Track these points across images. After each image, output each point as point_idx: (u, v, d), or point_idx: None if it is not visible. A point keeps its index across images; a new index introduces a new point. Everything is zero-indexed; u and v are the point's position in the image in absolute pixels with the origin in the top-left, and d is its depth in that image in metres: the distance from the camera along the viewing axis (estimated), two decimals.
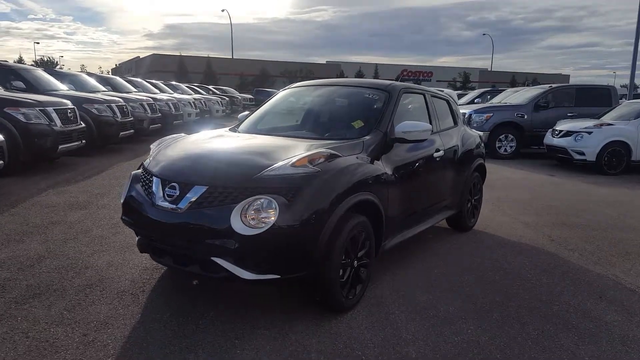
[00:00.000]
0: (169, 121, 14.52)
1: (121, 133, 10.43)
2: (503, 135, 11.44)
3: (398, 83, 3.96)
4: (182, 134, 3.72)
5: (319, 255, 2.68)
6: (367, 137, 3.34)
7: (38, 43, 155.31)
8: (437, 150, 4.06)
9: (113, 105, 10.49)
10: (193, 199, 2.67)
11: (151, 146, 3.52)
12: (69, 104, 8.35)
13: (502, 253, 4.33)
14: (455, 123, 4.80)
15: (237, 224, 2.52)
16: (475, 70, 71.76)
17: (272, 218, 2.52)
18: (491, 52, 68.31)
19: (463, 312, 3.09)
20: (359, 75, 55.97)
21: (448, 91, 4.81)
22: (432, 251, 4.30)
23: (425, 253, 4.23)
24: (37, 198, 5.84)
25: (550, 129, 10.49)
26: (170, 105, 15.30)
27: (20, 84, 9.24)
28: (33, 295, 3.09)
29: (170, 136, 3.65)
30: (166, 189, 2.82)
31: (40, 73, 10.44)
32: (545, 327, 2.93)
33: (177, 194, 2.75)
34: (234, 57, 60.91)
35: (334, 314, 2.95)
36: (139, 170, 3.22)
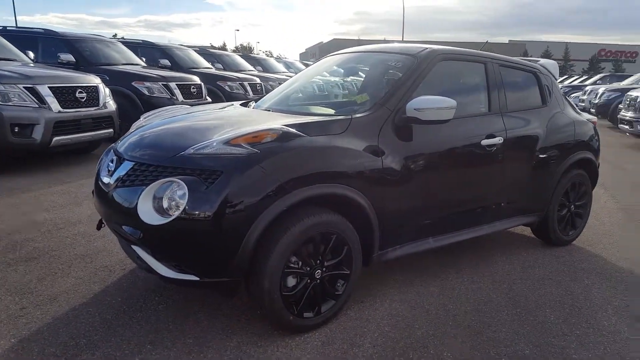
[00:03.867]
0: None
1: None
2: None
3: (439, 47, 3.01)
4: (185, 106, 3.43)
5: (245, 258, 2.13)
6: (359, 115, 2.58)
7: (238, 30, 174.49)
8: (491, 137, 3.02)
9: (245, 83, 10.95)
10: (120, 175, 2.35)
11: (141, 116, 3.31)
12: (195, 79, 8.90)
13: (587, 283, 3.10)
14: (545, 103, 3.56)
15: (142, 209, 2.13)
16: None
17: (181, 206, 2.06)
18: None
19: None
20: (545, 56, 49.65)
21: (545, 61, 3.56)
22: (486, 269, 3.30)
23: (475, 270, 3.26)
24: None
25: None
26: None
27: (167, 62, 10.20)
28: (28, 259, 3.17)
29: (168, 107, 3.40)
30: (108, 162, 2.55)
31: (189, 52, 11.42)
32: None
33: (113, 168, 2.46)
34: (405, 39, 59.54)
35: (284, 334, 2.37)
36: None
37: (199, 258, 2.15)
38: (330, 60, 3.70)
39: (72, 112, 5.71)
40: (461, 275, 3.16)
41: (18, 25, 8.19)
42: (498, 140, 3.03)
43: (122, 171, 2.35)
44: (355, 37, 68.40)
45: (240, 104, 3.43)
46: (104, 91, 6.38)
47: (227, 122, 2.64)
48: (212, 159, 2.15)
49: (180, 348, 2.25)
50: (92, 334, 2.33)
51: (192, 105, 8.24)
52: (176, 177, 2.12)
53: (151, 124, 2.80)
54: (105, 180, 2.48)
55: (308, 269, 2.33)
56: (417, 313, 2.65)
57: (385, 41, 58.47)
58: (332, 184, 2.30)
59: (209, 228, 2.06)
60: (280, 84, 12.84)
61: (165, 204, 2.11)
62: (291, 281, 2.29)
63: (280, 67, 16.64)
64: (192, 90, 8.61)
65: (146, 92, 7.77)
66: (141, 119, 3.20)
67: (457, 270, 3.23)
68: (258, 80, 11.53)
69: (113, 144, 2.90)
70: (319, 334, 2.40)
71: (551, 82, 3.66)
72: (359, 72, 3.42)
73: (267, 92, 11.66)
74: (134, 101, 7.68)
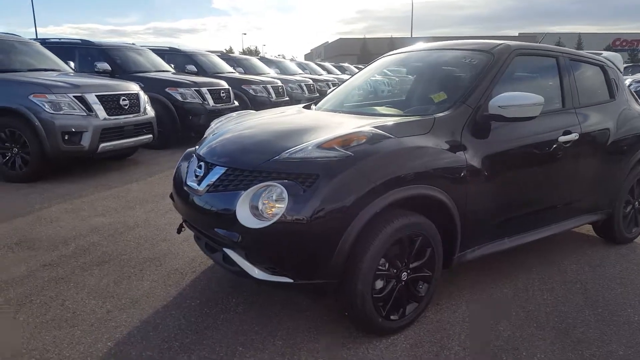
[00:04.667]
0: None
1: None
2: None
3: (512, 43, 2.99)
4: (250, 111, 3.46)
5: (341, 260, 2.14)
6: (441, 114, 2.58)
7: (245, 34, 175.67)
8: (567, 133, 2.99)
9: (269, 86, 11.02)
10: (211, 181, 2.38)
11: (211, 123, 3.34)
12: (223, 84, 8.98)
13: None
14: (612, 97, 3.52)
15: (241, 214, 2.14)
16: None
17: (281, 210, 2.07)
18: None
19: None
20: None
21: (609, 54, 3.51)
22: (555, 269, 3.27)
23: (544, 270, 3.24)
24: (174, 170, 6.33)
25: None
26: (331, 85, 15.56)
27: (193, 68, 10.29)
28: (100, 263, 3.22)
29: (237, 113, 3.42)
30: (195, 167, 2.59)
31: (212, 58, 11.52)
32: None
33: (202, 174, 2.49)
34: (413, 36, 59.47)
35: (371, 336, 2.37)
36: (193, 148, 3.07)
37: (295, 260, 2.16)
38: (388, 60, 3.70)
39: (116, 119, 5.79)
40: (530, 275, 3.14)
41: (43, 37, 8.31)
42: (574, 136, 3.00)
43: (213, 176, 2.38)
44: (361, 36, 68.49)
45: (303, 107, 3.45)
46: (144, 98, 6.46)
47: (306, 126, 2.65)
48: (307, 162, 2.17)
49: (272, 350, 2.26)
50: (182, 337, 2.36)
51: (221, 109, 8.39)
52: (273, 181, 2.14)
53: (229, 130, 2.83)
54: (193, 185, 2.51)
55: (395, 271, 2.34)
56: (497, 314, 2.63)
57: (392, 39, 58.30)
58: (420, 185, 2.30)
59: (307, 231, 2.08)
60: (300, 86, 13.14)
61: (263, 208, 2.13)
62: (379, 283, 2.29)
63: (296, 68, 16.68)
64: (221, 94, 8.69)
65: (179, 98, 7.85)
66: (212, 125, 3.23)
67: (526, 270, 3.21)
68: (280, 83, 11.58)
69: (191, 150, 2.94)
70: (405, 337, 2.40)
71: (617, 76, 3.62)
72: (423, 71, 3.40)
73: (288, 95, 11.88)
74: (168, 107, 7.76)
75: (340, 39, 68.32)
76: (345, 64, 22.97)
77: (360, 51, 54.85)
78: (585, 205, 3.34)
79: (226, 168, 2.36)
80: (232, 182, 2.30)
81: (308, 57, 77.61)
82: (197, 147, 2.90)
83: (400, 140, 2.34)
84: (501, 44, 2.98)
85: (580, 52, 3.51)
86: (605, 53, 3.77)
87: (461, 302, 2.77)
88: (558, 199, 3.13)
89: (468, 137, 2.56)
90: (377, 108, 3.13)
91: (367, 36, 64.01)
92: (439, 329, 2.47)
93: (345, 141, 2.24)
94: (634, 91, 13.40)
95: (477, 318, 2.59)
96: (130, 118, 6.02)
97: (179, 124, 7.85)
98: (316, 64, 18.96)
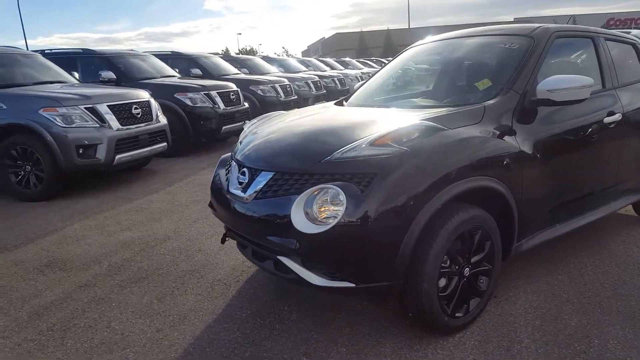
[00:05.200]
0: (335, 97, 14.60)
1: None
2: None
3: (550, 25, 2.90)
4: (281, 112, 3.36)
5: (405, 260, 2.05)
6: (491, 102, 2.49)
7: (240, 34, 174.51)
8: (611, 114, 2.90)
9: (277, 85, 10.92)
10: (259, 187, 2.29)
11: (244, 125, 3.25)
12: (232, 86, 8.87)
13: None
14: None
15: (297, 219, 2.06)
16: None
17: (340, 213, 1.99)
18: None
19: (630, 349, 2.12)
20: None
21: (637, 32, 3.44)
22: (604, 252, 3.19)
23: (592, 254, 3.16)
24: (193, 177, 6.26)
25: None
26: (337, 81, 15.47)
27: (198, 71, 10.18)
28: (138, 280, 3.14)
29: (268, 114, 3.33)
30: (238, 174, 2.50)
31: (216, 60, 11.42)
32: None
33: (246, 180, 2.40)
34: (413, 26, 59.28)
35: (436, 336, 2.29)
36: (229, 154, 2.98)
37: (356, 264, 2.08)
38: (417, 50, 3.60)
39: (130, 129, 5.69)
40: (582, 260, 3.06)
41: (34, 49, 8.18)
42: (617, 117, 2.92)
43: (260, 182, 2.29)
44: (358, 30, 68.18)
45: (335, 103, 3.37)
46: (156, 105, 6.37)
47: (349, 123, 2.57)
48: (362, 161, 2.08)
49: (337, 357, 2.18)
50: (241, 351, 2.28)
51: (232, 112, 8.30)
52: (328, 183, 2.06)
53: (267, 132, 2.73)
54: (238, 192, 2.42)
55: (457, 267, 2.26)
56: (558, 303, 2.55)
57: (389, 30, 58.09)
58: (478, 177, 2.22)
59: (368, 232, 1.99)
60: (306, 83, 13.02)
61: (320, 212, 2.04)
62: (443, 281, 2.21)
63: (299, 66, 16.56)
64: (231, 97, 8.59)
65: (189, 103, 7.75)
66: (245, 129, 3.14)
67: (575, 256, 3.13)
68: (287, 82, 11.48)
69: (227, 155, 2.85)
70: (472, 333, 2.32)
71: None
72: (456, 60, 3.30)
73: (296, 93, 11.78)
74: (178, 113, 7.65)
75: (337, 33, 68.01)
76: (347, 59, 22.85)
77: (358, 45, 54.61)
78: (630, 185, 3.25)
79: (274, 173, 2.27)
80: (282, 187, 2.21)
81: (305, 53, 77.23)
82: (233, 152, 2.81)
83: (454, 132, 2.25)
84: (540, 26, 2.90)
85: (613, 31, 3.43)
86: (635, 31, 3.69)
87: (519, 293, 2.69)
88: (605, 181, 3.05)
89: (518, 124, 2.47)
90: (414, 100, 3.04)
91: (363, 29, 63.62)
92: (504, 323, 2.39)
93: (397, 136, 2.15)
94: None
95: (538, 308, 2.51)
96: (144, 127, 5.92)
97: (191, 130, 7.76)
98: (318, 60, 18.83)
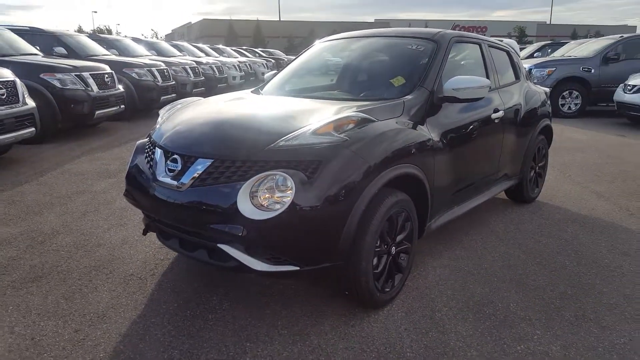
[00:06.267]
0: (212, 84, 14.21)
1: (162, 97, 10.20)
2: (567, 92, 10.29)
3: (449, 31, 3.26)
4: (198, 98, 3.25)
5: (347, 242, 2.17)
6: (409, 97, 2.73)
7: (96, 12, 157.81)
8: (496, 111, 3.36)
9: (154, 69, 10.27)
10: (196, 175, 2.21)
11: (160, 111, 3.07)
12: (106, 68, 8.15)
13: (572, 231, 3.65)
14: (517, 78, 4.02)
15: (244, 206, 2.04)
16: (532, 24, 66.89)
17: (288, 199, 2.02)
18: (550, 4, 63.09)
19: (527, 310, 2.51)
20: None
21: (508, 41, 4.03)
22: (487, 229, 3.68)
23: (479, 232, 3.63)
24: (68, 166, 5.65)
25: (622, 84, 9.26)
26: (215, 68, 14.99)
27: (62, 50, 9.15)
28: (34, 279, 2.79)
29: (183, 100, 3.19)
30: (168, 161, 2.37)
31: (82, 39, 10.33)
32: (635, 334, 2.31)
33: (179, 168, 2.30)
34: (282, 19, 59.92)
35: (367, 310, 2.46)
36: (145, 140, 2.80)
37: (302, 248, 2.14)
38: (328, 45, 3.73)
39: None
40: (472, 237, 3.50)
41: None
42: (501, 113, 3.38)
43: (197, 170, 2.21)
44: (227, 17, 66.96)
45: (252, 91, 3.35)
46: (21, 86, 5.60)
47: (282, 113, 2.61)
48: (307, 149, 2.14)
49: (280, 340, 2.22)
50: (179, 343, 2.20)
51: (107, 96, 7.63)
52: (275, 170, 2.08)
53: (196, 119, 2.62)
54: (169, 180, 2.31)
55: (386, 246, 2.44)
56: (463, 275, 2.90)
57: (259, 21, 58.11)
58: (404, 164, 2.42)
59: (315, 217, 2.06)
60: (184, 69, 12.45)
61: (267, 198, 2.05)
62: (376, 260, 2.38)
63: (173, 50, 15.72)
64: (105, 79, 7.88)
65: (58, 85, 6.92)
66: (162, 114, 2.96)
67: (465, 233, 3.56)
68: (164, 66, 10.85)
69: (144, 142, 2.69)
70: (397, 307, 2.53)
71: (518, 59, 4.13)
72: (368, 57, 3.50)
73: (173, 79, 11.20)
74: (45, 95, 6.79)
75: (205, 19, 65.69)
76: (221, 46, 22.23)
77: (227, 33, 53.42)
78: (507, 172, 3.80)
79: (213, 160, 2.21)
80: (223, 174, 2.17)
81: (170, 37, 73.04)
82: (152, 138, 2.65)
83: (383, 123, 2.42)
84: (439, 31, 3.24)
85: (492, 39, 3.94)
86: (506, 40, 4.28)
87: (427, 268, 2.99)
88: (490, 168, 3.52)
89: (430, 118, 2.75)
90: (332, 92, 3.17)
91: (233, 18, 62.46)
92: (422, 295, 2.65)
93: (338, 126, 2.25)
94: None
95: (447, 280, 2.83)
96: (9, 110, 5.18)
97: (59, 114, 6.95)
98: (193, 45, 18.00)
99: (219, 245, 2.18)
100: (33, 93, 6.50)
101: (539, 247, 3.33)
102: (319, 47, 3.79)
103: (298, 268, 2.16)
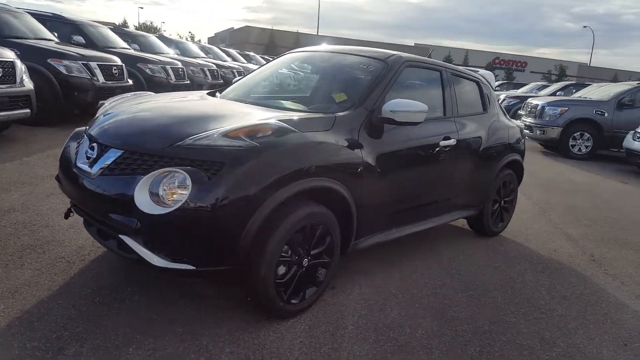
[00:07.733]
0: None
1: None
2: (578, 133, 10.08)
3: (403, 54, 3.26)
4: (149, 93, 3.33)
5: (246, 247, 2.19)
6: (342, 114, 2.74)
7: (142, 8, 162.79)
8: (447, 138, 3.34)
9: (168, 67, 10.50)
10: (105, 164, 2.27)
11: (105, 102, 3.16)
12: (116, 60, 8.37)
13: (520, 269, 3.57)
14: (485, 109, 3.99)
15: (140, 199, 2.08)
16: (573, 64, 65.77)
17: (183, 197, 2.06)
18: (591, 45, 62.05)
19: (433, 339, 2.47)
20: (447, 60, 53.28)
21: (484, 72, 4.01)
22: (433, 257, 3.63)
23: (423, 258, 3.58)
24: (56, 150, 5.78)
25: (632, 131, 9.03)
26: (235, 73, 15.25)
27: (80, 39, 9.43)
28: None
29: (136, 92, 3.28)
30: (87, 149, 2.44)
31: (103, 30, 10.65)
32: None
33: (94, 156, 2.36)
34: (321, 34, 60.63)
35: (272, 320, 2.46)
36: (83, 127, 2.88)
37: (197, 248, 2.16)
38: (295, 56, 3.79)
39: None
40: (415, 262, 3.46)
41: None
42: (452, 142, 3.35)
43: (108, 159, 2.27)
44: (269, 26, 68.18)
45: (207, 93, 3.41)
46: (21, 67, 5.82)
47: (211, 113, 2.63)
48: (212, 150, 2.17)
49: (172, 337, 2.24)
50: (73, 326, 2.24)
51: (113, 87, 7.84)
52: (176, 167, 2.11)
53: (126, 110, 2.70)
54: (85, 167, 2.38)
55: (297, 257, 2.44)
56: (386, 297, 2.87)
57: (299, 34, 59.00)
58: (322, 178, 2.43)
59: (210, 219, 2.08)
60: (202, 70, 12.70)
61: (164, 194, 2.09)
62: (282, 269, 2.38)
63: (198, 51, 16.08)
64: (113, 71, 8.10)
65: (64, 71, 7.16)
66: (106, 104, 3.05)
67: (409, 258, 3.52)
68: (180, 65, 11.11)
69: (82, 129, 2.76)
70: (304, 319, 2.52)
71: (490, 91, 4.10)
72: (327, 71, 3.54)
73: (189, 78, 11.45)
74: (50, 80, 7.03)
75: (247, 26, 67.07)
76: (251, 53, 22.63)
77: (268, 42, 54.43)
78: (461, 202, 3.75)
79: (123, 151, 2.27)
80: (130, 166, 2.22)
81: (212, 40, 74.70)
82: (88, 126, 2.74)
83: (304, 135, 2.44)
84: (394, 54, 3.24)
85: (461, 68, 3.93)
86: (482, 71, 4.24)
87: (355, 286, 2.97)
88: (438, 195, 3.48)
89: (364, 137, 2.74)
90: (283, 102, 3.20)
91: (275, 28, 63.69)
92: (335, 311, 2.64)
93: (251, 132, 2.28)
94: (507, 105, 15.06)
95: (368, 300, 2.81)
96: (5, 89, 5.38)
97: (62, 100, 7.17)
98: (221, 49, 18.39)
99: (120, 235, 2.22)
100: (39, 77, 6.75)
101: (478, 280, 3.27)
102: (288, 57, 3.84)
103: (194, 267, 2.18)
